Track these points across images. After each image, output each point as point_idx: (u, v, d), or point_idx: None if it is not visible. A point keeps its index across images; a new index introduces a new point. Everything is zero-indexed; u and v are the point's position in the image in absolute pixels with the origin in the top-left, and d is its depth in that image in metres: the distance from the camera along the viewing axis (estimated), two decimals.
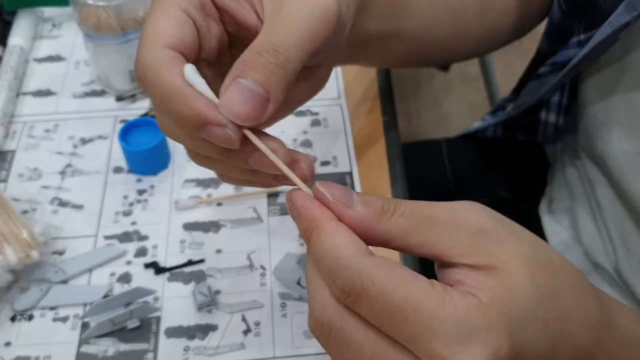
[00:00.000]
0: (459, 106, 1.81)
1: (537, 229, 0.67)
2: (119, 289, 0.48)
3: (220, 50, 0.36)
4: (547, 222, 0.67)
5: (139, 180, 0.55)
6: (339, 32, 0.37)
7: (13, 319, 0.47)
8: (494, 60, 1.46)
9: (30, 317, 0.47)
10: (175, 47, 0.32)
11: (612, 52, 0.48)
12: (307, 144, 0.57)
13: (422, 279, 0.28)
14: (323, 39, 0.34)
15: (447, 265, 0.30)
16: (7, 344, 0.45)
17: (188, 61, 0.32)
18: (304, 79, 0.38)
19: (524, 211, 0.72)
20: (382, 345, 0.28)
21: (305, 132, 0.58)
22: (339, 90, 0.61)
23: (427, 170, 0.77)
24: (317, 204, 0.30)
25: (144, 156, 0.54)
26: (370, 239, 0.30)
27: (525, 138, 0.71)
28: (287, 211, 0.33)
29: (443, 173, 0.76)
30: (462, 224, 0.30)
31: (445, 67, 1.53)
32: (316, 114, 0.59)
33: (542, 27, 0.59)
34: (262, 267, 0.49)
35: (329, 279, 0.29)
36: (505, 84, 1.17)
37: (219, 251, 0.50)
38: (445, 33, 0.52)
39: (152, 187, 0.54)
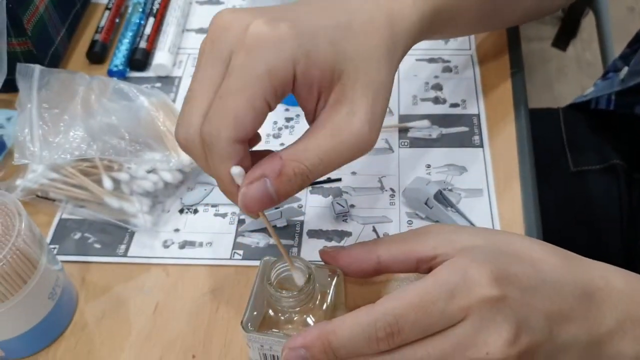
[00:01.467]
0: (572, 90, 1.79)
1: None
2: None
3: None
4: None
5: (286, 110, 0.62)
6: None
7: (181, 211, 0.55)
8: (615, 47, 1.44)
9: (195, 211, 0.55)
10: (245, 139, 0.37)
11: None
12: (437, 87, 0.62)
13: (413, 285, 0.36)
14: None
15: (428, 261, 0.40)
16: (176, 230, 0.54)
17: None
18: None
19: (638, 180, 0.74)
20: (431, 345, 0.35)
21: (436, 77, 0.63)
22: (470, 42, 0.66)
23: (543, 134, 0.80)
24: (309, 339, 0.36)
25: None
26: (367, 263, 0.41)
27: None
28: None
29: (559, 138, 0.79)
30: (424, 232, 0.41)
31: (563, 47, 1.52)
32: (448, 61, 0.64)
33: None
34: (392, 190, 0.55)
35: (372, 339, 0.35)
36: None
37: (354, 173, 0.57)
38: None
39: (297, 116, 0.61)
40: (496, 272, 0.36)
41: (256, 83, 0.36)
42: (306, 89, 0.38)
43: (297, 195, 0.55)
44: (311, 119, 0.41)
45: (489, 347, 0.34)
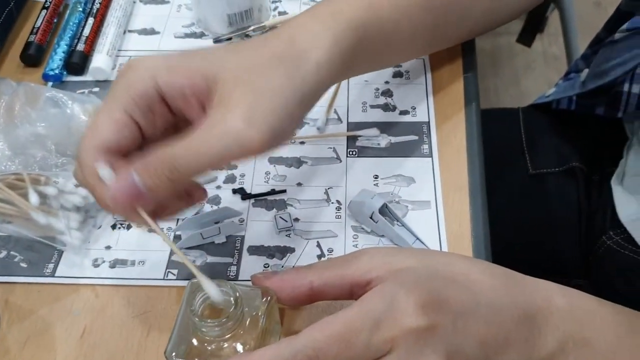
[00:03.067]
0: (538, 85, 1.78)
1: (608, 200, 0.68)
2: (208, 209, 0.53)
3: (167, 130, 0.42)
4: (618, 194, 0.67)
5: None
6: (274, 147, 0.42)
7: (114, 226, 0.52)
8: (580, 41, 1.43)
9: (129, 227, 0.52)
10: (106, 149, 0.39)
11: None
12: (387, 93, 0.60)
13: (338, 314, 0.35)
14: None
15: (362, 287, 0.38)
16: (108, 247, 0.51)
17: (128, 148, 0.40)
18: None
19: (596, 182, 0.73)
20: None
21: (387, 82, 0.61)
22: None
23: (502, 135, 0.79)
24: None
25: None
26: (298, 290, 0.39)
27: (603, 112, 0.71)
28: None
29: (518, 139, 0.78)
30: (358, 255, 0.39)
31: (528, 43, 1.51)
32: (399, 66, 0.62)
33: None
34: (338, 202, 0.53)
35: None
36: None
37: (299, 184, 0.54)
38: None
39: None
40: (426, 298, 0.35)
41: (115, 97, 0.39)
42: (180, 98, 0.40)
43: (239, 208, 0.52)
44: None
45: None
